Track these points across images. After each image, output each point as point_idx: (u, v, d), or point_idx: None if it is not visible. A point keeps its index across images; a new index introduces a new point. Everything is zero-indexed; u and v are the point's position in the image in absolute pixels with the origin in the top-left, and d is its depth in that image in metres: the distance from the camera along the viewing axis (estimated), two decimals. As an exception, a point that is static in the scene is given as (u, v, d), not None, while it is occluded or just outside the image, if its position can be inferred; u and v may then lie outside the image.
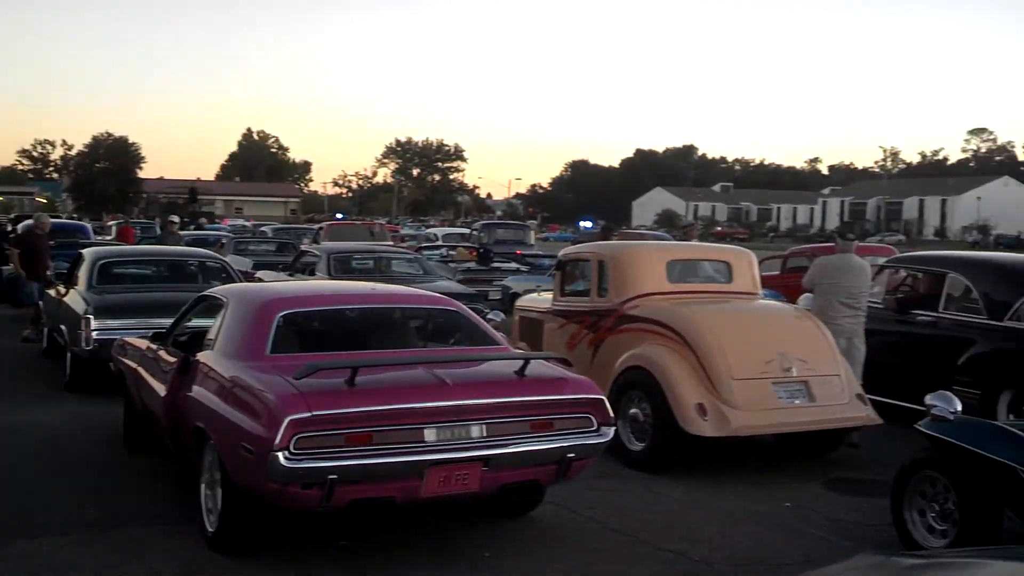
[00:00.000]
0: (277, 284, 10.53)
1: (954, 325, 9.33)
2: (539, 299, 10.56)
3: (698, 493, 7.25)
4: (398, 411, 5.27)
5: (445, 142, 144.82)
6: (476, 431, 5.46)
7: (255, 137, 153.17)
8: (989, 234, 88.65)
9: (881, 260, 12.09)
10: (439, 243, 26.79)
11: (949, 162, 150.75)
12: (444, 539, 6.11)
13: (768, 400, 7.68)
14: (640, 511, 6.79)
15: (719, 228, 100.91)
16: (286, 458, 4.97)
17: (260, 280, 15.10)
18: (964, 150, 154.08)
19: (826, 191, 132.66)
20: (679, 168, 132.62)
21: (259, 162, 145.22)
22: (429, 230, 42.13)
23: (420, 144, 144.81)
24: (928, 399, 6.08)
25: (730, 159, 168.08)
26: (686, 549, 6.01)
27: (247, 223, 55.69)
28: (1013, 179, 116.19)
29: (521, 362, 5.93)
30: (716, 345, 7.79)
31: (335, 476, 5.03)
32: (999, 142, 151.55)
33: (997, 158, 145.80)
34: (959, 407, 5.99)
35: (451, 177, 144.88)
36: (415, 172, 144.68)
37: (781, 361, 7.81)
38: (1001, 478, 5.50)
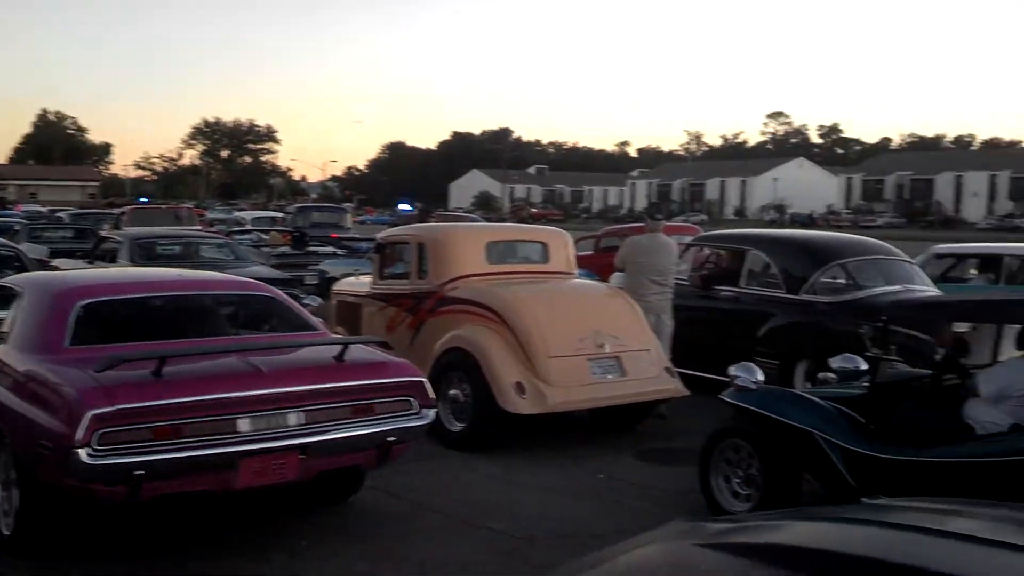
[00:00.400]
0: (76, 272, 9.95)
1: (755, 299, 9.83)
2: (357, 283, 10.43)
3: (517, 470, 7.36)
4: (209, 402, 5.09)
5: (256, 123, 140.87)
6: (293, 419, 5.34)
7: (51, 118, 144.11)
8: (785, 213, 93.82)
9: (687, 239, 12.59)
10: (248, 227, 26.01)
11: (749, 145, 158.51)
12: (260, 529, 5.96)
13: (583, 376, 7.88)
14: (461, 491, 6.84)
15: (535, 210, 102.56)
16: (89, 455, 4.72)
17: (57, 268, 14.25)
18: (763, 133, 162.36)
19: (635, 173, 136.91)
20: (495, 151, 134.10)
21: (55, 144, 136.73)
22: (238, 214, 40.62)
23: (230, 124, 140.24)
24: (731, 370, 6.39)
25: (545, 142, 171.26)
26: (507, 526, 6.09)
27: (42, 208, 52.35)
28: (807, 160, 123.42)
29: (340, 347, 5.85)
30: (533, 324, 7.92)
31: (142, 472, 4.82)
32: (795, 125, 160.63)
33: (793, 141, 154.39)
34: (761, 377, 6.32)
35: (263, 159, 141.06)
36: (224, 154, 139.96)
37: (595, 338, 8.03)
38: (800, 443, 5.84)
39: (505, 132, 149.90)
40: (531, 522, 6.18)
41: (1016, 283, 11.83)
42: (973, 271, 13.07)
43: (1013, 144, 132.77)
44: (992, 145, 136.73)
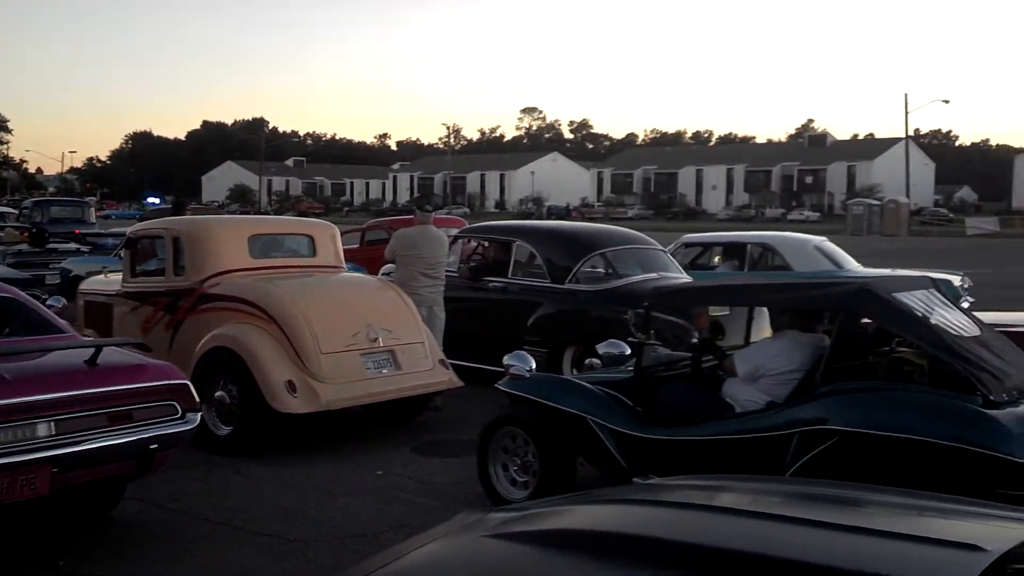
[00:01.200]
0: None
1: (522, 290, 10.00)
2: (106, 281, 9.78)
3: (291, 472, 7.13)
4: (-54, 414, 4.59)
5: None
6: (43, 430, 4.93)
7: None
8: (543, 206, 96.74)
9: (453, 231, 12.65)
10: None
11: (505, 139, 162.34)
12: (12, 549, 5.47)
13: (357, 372, 7.73)
14: (231, 497, 6.54)
15: (303, 203, 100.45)
16: None
17: None
18: (518, 128, 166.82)
19: (396, 166, 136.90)
20: (250, 141, 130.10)
21: None
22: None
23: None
24: (506, 359, 6.46)
25: (302, 133, 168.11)
26: (282, 530, 5.87)
27: None
28: (561, 155, 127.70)
29: (92, 350, 5.43)
30: (303, 320, 7.68)
31: None
32: (548, 120, 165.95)
33: (547, 136, 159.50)
34: (533, 365, 6.42)
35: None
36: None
37: (368, 332, 7.90)
38: (573, 428, 5.97)
39: (260, 122, 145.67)
40: (308, 524, 5.99)
41: (758, 268, 12.72)
42: (718, 258, 13.93)
43: (747, 140, 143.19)
44: (728, 141, 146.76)
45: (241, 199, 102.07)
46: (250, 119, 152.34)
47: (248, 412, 7.49)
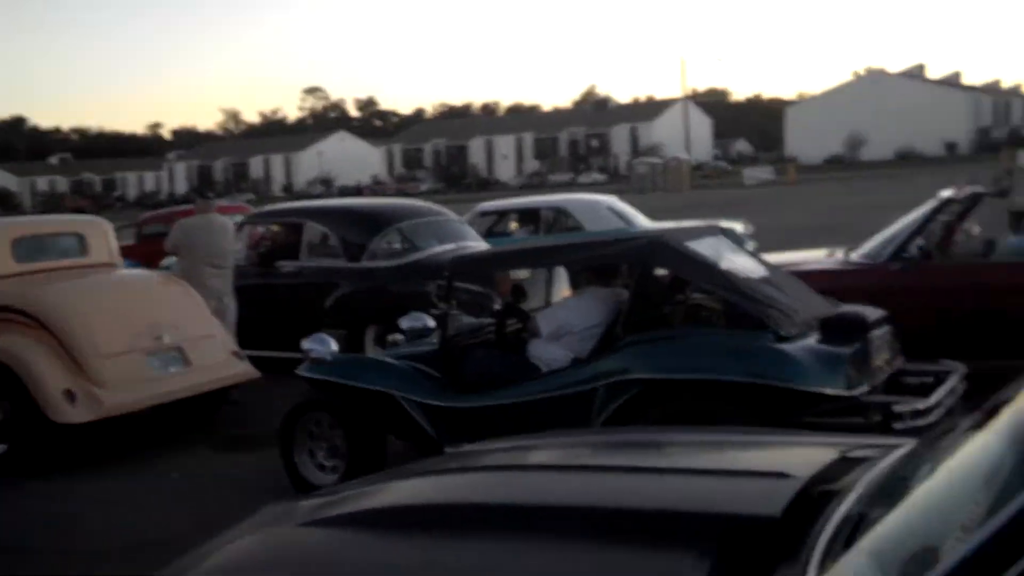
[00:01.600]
0: None
1: (317, 271, 9.69)
2: None
3: (78, 485, 6.65)
4: None
5: None
6: None
7: None
8: (332, 186, 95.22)
9: (239, 218, 12.15)
10: None
11: (289, 120, 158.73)
12: None
13: (142, 373, 7.31)
14: (13, 520, 6.03)
15: (69, 199, 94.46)
16: None
17: None
18: (301, 108, 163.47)
19: (172, 156, 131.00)
20: (9, 142, 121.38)
21: None
22: None
23: None
24: (304, 344, 6.21)
25: (66, 128, 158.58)
26: (72, 547, 5.47)
27: None
28: (348, 134, 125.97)
29: None
30: (78, 324, 7.17)
31: None
32: (332, 99, 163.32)
33: (332, 115, 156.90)
34: (335, 347, 6.21)
35: None
36: None
37: (152, 331, 7.47)
38: (380, 406, 5.82)
39: (18, 121, 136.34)
40: (100, 536, 5.58)
41: (553, 232, 12.89)
42: (513, 225, 14.04)
43: (533, 108, 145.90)
44: (516, 110, 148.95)
45: (2, 204, 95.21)
46: (8, 118, 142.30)
47: (25, 427, 6.94)
